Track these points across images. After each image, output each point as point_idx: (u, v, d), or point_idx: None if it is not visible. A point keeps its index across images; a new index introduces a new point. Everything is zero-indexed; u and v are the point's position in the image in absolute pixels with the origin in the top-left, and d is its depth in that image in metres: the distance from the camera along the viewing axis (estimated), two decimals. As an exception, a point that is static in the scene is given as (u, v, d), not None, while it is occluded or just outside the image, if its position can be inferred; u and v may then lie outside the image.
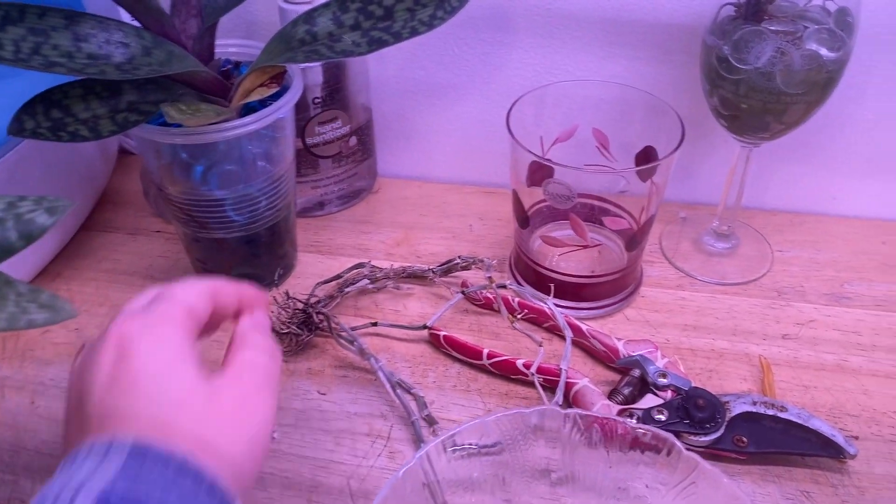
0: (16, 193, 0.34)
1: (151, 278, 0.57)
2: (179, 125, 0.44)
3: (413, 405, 0.47)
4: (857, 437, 0.45)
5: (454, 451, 0.40)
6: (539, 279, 0.54)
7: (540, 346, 0.50)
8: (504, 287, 0.53)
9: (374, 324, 0.52)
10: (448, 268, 0.56)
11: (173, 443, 0.29)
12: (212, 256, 0.53)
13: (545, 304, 0.51)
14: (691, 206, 0.64)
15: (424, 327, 0.51)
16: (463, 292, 0.53)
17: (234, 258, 0.53)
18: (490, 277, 0.53)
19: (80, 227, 0.61)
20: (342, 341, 0.50)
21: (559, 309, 0.52)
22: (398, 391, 0.47)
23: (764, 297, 0.55)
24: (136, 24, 0.45)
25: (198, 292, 0.34)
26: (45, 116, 0.43)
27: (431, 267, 0.56)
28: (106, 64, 0.42)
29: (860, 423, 0.46)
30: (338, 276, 0.54)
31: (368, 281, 0.54)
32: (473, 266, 0.55)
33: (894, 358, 0.50)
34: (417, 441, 0.45)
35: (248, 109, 0.48)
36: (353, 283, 0.54)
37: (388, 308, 0.55)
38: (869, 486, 0.43)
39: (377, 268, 0.55)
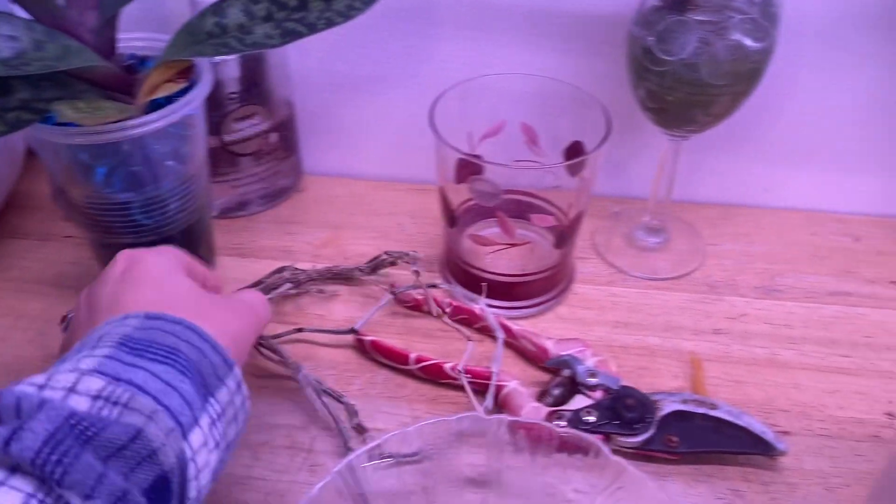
0: None
1: (62, 287, 0.54)
2: (71, 124, 0.41)
3: (342, 415, 0.45)
4: (787, 433, 0.45)
5: (376, 462, 0.38)
6: (470, 279, 0.53)
7: (469, 340, 0.48)
8: (434, 286, 0.51)
9: (299, 330, 0.50)
10: (375, 265, 0.54)
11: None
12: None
13: (476, 304, 0.50)
14: (624, 200, 0.63)
15: (352, 331, 0.50)
16: (392, 293, 0.51)
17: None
18: (417, 271, 0.51)
19: (-16, 234, 0.57)
20: (263, 351, 0.48)
21: (491, 309, 0.51)
22: (325, 400, 0.45)
23: (696, 292, 0.54)
24: (27, 16, 0.41)
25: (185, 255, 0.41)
26: (-77, 116, 0.40)
27: (359, 266, 0.54)
28: (-9, 59, 0.39)
29: (791, 419, 0.46)
30: (258, 283, 0.52)
31: (291, 285, 0.52)
32: (400, 261, 0.53)
33: (824, 350, 0.50)
34: (344, 452, 0.43)
35: (156, 106, 0.45)
36: (275, 289, 0.51)
37: (313, 312, 0.53)
38: (799, 481, 0.43)
39: (300, 270, 0.53)
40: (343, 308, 0.53)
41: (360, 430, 0.44)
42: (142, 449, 0.28)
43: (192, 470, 0.30)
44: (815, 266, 0.57)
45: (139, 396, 0.29)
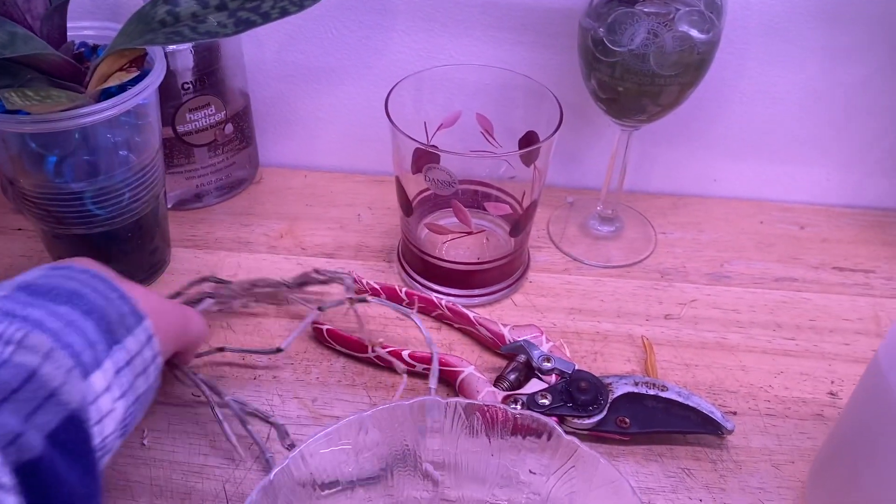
0: None
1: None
2: (20, 112, 0.41)
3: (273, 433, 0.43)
4: (735, 413, 0.46)
5: (330, 448, 0.39)
6: (426, 268, 0.53)
7: (404, 374, 0.47)
8: (364, 301, 0.48)
9: (221, 349, 0.48)
10: (302, 282, 0.50)
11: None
12: (74, 253, 0.49)
13: (410, 317, 0.47)
14: (579, 191, 0.64)
15: (278, 350, 0.48)
16: (320, 308, 0.48)
17: (98, 255, 0.49)
18: (350, 299, 0.48)
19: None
20: (178, 376, 0.44)
21: (448, 298, 0.51)
22: (249, 427, 0.43)
23: (647, 279, 0.56)
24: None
25: None
26: None
27: (285, 281, 0.50)
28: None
29: (738, 399, 0.47)
30: (177, 294, 0.50)
31: (213, 301, 0.49)
32: (332, 282, 0.49)
33: (770, 334, 0.52)
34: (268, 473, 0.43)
35: (108, 95, 0.44)
36: (196, 303, 0.48)
37: (239, 327, 0.51)
38: (746, 459, 0.44)
39: (224, 282, 0.50)
40: (272, 323, 0.51)
41: (292, 448, 0.41)
42: (38, 389, 0.26)
43: (92, 413, 0.29)
44: (762, 253, 0.58)
45: (34, 334, 0.28)
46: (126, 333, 0.32)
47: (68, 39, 0.46)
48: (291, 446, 0.43)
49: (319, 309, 0.48)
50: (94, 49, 0.48)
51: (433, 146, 0.50)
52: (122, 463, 0.42)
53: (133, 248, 0.50)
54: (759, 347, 0.51)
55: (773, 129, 0.60)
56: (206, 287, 0.50)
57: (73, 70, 0.44)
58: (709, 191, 0.64)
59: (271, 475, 0.36)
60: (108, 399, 0.30)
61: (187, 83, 0.53)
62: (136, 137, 0.47)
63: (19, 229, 0.57)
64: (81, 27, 0.49)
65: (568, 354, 0.48)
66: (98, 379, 0.30)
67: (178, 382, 0.45)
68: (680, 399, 0.45)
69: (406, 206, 0.52)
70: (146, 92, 0.44)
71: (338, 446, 0.39)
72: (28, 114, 0.42)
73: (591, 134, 0.62)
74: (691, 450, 0.44)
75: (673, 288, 0.55)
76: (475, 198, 0.51)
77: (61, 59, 0.43)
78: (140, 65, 0.46)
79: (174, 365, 0.44)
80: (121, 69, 0.45)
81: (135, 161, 0.47)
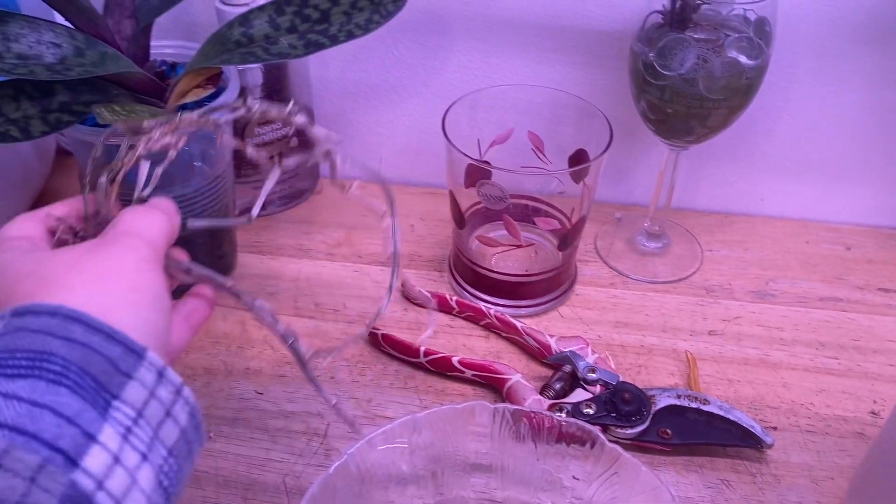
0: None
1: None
2: (105, 126, 0.44)
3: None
4: (775, 428, 0.47)
5: (386, 446, 0.41)
6: (477, 278, 0.56)
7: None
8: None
9: (188, 270, 0.37)
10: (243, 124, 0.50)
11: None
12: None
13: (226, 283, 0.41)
14: (626, 207, 0.65)
15: (249, 220, 0.42)
16: (281, 167, 0.41)
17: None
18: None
19: (17, 228, 0.60)
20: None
21: (497, 308, 0.54)
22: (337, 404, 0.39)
23: (693, 295, 0.57)
24: (68, 25, 0.45)
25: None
26: (-27, 116, 0.43)
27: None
28: (36, 64, 0.42)
29: (779, 415, 0.48)
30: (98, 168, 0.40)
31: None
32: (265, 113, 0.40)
33: (813, 352, 0.53)
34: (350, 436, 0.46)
35: (183, 110, 0.48)
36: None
37: None
38: (785, 473, 0.45)
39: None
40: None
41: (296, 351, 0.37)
42: None
43: (102, 499, 0.23)
44: (807, 273, 0.59)
45: None
46: (124, 381, 0.26)
47: (151, 58, 0.49)
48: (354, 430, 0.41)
49: (281, 168, 0.41)
50: (174, 67, 0.52)
51: (486, 162, 0.52)
52: (190, 453, 0.45)
53: (203, 252, 0.53)
54: (801, 365, 0.52)
55: (820, 150, 0.61)
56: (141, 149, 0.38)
57: (155, 87, 0.48)
58: (756, 209, 0.65)
59: (330, 469, 0.38)
60: (121, 474, 0.24)
61: (256, 99, 0.56)
62: (210, 150, 0.50)
63: (97, 232, 0.61)
64: (162, 46, 0.52)
65: (613, 366, 0.50)
66: (96, 457, 0.24)
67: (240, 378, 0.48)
68: (721, 413, 0.46)
69: (458, 218, 0.54)
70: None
71: (393, 444, 0.41)
72: (106, 127, 0.45)
73: (640, 151, 0.63)
74: (731, 462, 0.46)
75: (718, 304, 0.56)
76: (525, 212, 0.54)
77: (145, 76, 0.47)
78: (216, 83, 0.49)
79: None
80: (198, 86, 0.49)
81: (208, 172, 0.50)
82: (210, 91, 0.49)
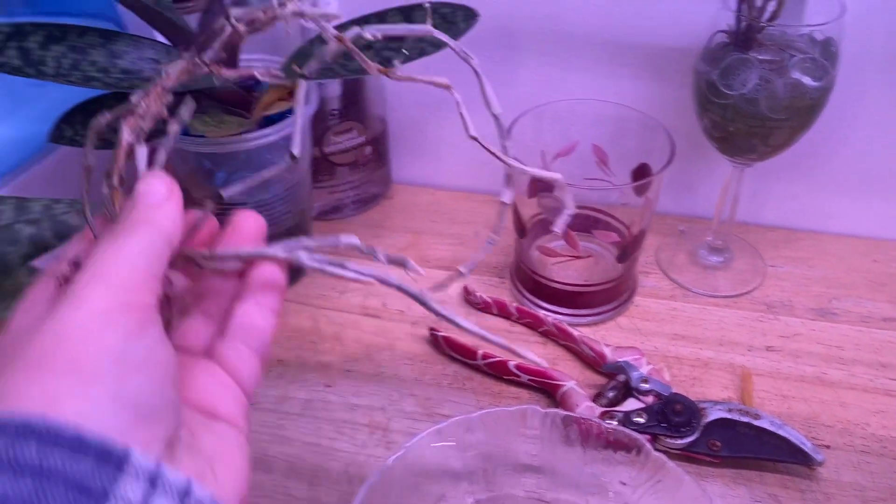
0: (53, 196, 0.39)
1: (177, 273, 0.62)
2: (199, 136, 0.48)
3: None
4: (828, 447, 0.48)
5: (441, 444, 0.43)
6: (537, 287, 0.58)
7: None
8: None
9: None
10: None
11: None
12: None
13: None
14: (690, 219, 0.66)
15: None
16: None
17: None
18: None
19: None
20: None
21: (554, 315, 0.55)
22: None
23: (753, 310, 0.57)
24: (166, 42, 0.49)
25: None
26: (81, 126, 0.47)
27: None
28: (137, 79, 0.46)
29: (833, 434, 0.49)
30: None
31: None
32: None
33: (873, 373, 0.52)
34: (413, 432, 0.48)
35: (269, 122, 0.52)
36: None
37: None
38: (836, 492, 0.45)
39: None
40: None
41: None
42: None
43: None
44: (873, 292, 0.59)
45: None
46: (101, 500, 0.20)
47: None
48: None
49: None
50: (258, 80, 0.56)
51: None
52: (262, 439, 0.49)
53: (280, 253, 0.57)
54: (860, 385, 0.52)
55: (890, 167, 0.60)
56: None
57: (242, 99, 0.51)
58: (822, 227, 0.64)
59: (389, 461, 0.41)
60: None
61: (334, 110, 0.60)
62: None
63: (185, 230, 0.66)
64: (249, 59, 0.56)
65: (667, 378, 0.51)
66: None
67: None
68: (772, 428, 0.47)
69: (520, 228, 0.56)
70: (302, 119, 0.51)
71: (447, 442, 0.44)
72: (204, 136, 0.49)
73: (704, 165, 0.64)
74: (780, 478, 0.46)
75: (777, 321, 0.57)
76: (586, 223, 0.55)
77: (233, 89, 0.51)
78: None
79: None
80: (280, 99, 0.52)
81: (288, 179, 0.54)
82: (292, 103, 0.52)
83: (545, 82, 0.63)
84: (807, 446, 0.46)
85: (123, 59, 0.46)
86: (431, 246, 0.64)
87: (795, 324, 0.56)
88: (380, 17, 0.51)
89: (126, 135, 0.31)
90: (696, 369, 0.53)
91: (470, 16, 0.52)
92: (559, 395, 0.50)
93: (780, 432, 0.46)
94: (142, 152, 0.31)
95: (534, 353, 0.52)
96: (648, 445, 0.41)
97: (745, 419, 0.47)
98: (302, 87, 0.34)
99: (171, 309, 0.32)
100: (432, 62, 0.62)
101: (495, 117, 0.34)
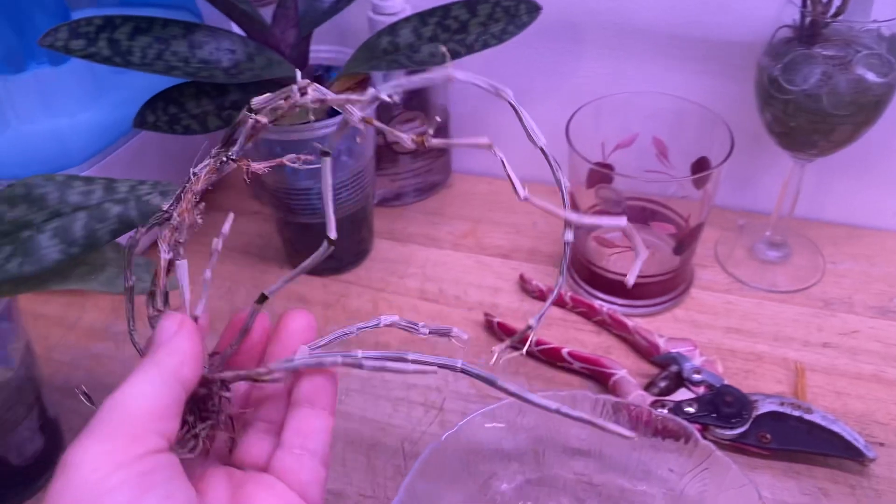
0: (137, 177, 0.41)
1: (248, 254, 0.65)
2: (284, 127, 0.51)
3: None
4: (882, 444, 0.48)
5: (492, 425, 0.45)
6: (593, 277, 0.58)
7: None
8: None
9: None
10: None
11: None
12: (299, 239, 0.60)
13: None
14: (750, 214, 0.66)
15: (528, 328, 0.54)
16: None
17: (316, 241, 0.58)
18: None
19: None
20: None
21: (609, 305, 0.56)
22: None
23: (810, 306, 0.57)
24: (242, 33, 0.51)
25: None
26: (163, 112, 0.50)
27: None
28: (215, 68, 0.49)
29: (888, 431, 0.48)
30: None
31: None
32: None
33: (933, 373, 0.52)
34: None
35: (335, 111, 0.54)
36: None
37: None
38: (887, 489, 0.45)
39: None
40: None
41: None
42: None
43: None
44: (937, 292, 0.58)
45: None
46: None
47: (310, 62, 0.55)
48: None
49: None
50: (328, 70, 0.58)
51: (607, 165, 0.55)
52: (323, 413, 0.51)
53: (345, 237, 0.60)
54: (918, 385, 0.51)
55: (963, 167, 0.59)
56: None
57: (311, 89, 0.54)
58: (886, 224, 0.63)
59: (442, 438, 0.43)
60: None
61: (399, 100, 0.62)
62: (355, 146, 0.56)
63: (256, 212, 0.69)
64: (320, 51, 0.59)
65: (720, 370, 0.52)
66: None
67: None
68: (824, 423, 0.47)
69: (578, 218, 0.57)
70: (367, 110, 0.53)
71: (499, 423, 0.45)
72: (285, 128, 0.52)
73: (765, 160, 0.64)
74: (830, 472, 0.46)
75: (835, 318, 0.56)
76: (643, 214, 0.56)
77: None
78: (365, 86, 0.55)
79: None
80: (348, 89, 0.55)
81: (353, 165, 0.56)
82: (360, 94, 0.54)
83: (607, 74, 0.63)
84: (859, 442, 0.46)
85: (202, 49, 0.49)
86: (489, 234, 0.65)
87: (854, 321, 0.56)
88: (445, 10, 0.53)
89: (164, 252, 0.32)
90: (750, 363, 0.53)
91: (533, 9, 0.53)
92: (611, 384, 0.51)
93: (833, 427, 0.46)
94: (182, 267, 0.32)
95: (588, 343, 0.53)
96: (697, 434, 0.42)
97: (796, 413, 0.47)
98: (326, 164, 0.33)
99: (233, 427, 0.34)
100: (499, 52, 0.63)
101: (542, 151, 0.33)
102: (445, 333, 0.34)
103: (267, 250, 0.65)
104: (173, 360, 0.28)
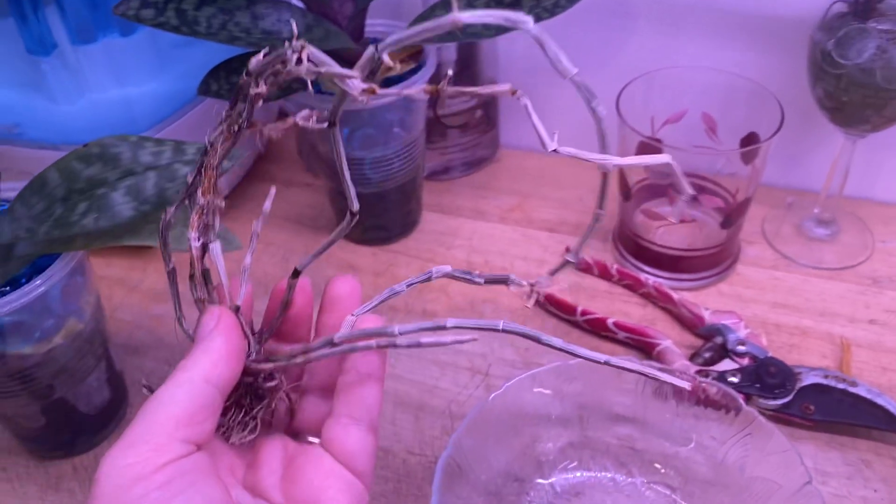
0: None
1: (301, 224, 0.67)
2: (332, 93, 0.52)
3: None
4: (927, 419, 0.48)
5: (539, 389, 0.46)
6: (639, 250, 0.59)
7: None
8: None
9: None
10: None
11: None
12: (350, 208, 0.62)
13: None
14: (799, 192, 0.66)
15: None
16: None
17: (367, 211, 0.60)
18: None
19: (244, 177, 0.71)
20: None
21: (654, 278, 0.57)
22: None
23: (858, 284, 0.57)
24: (301, 6, 0.53)
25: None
26: (226, 81, 0.52)
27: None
28: (276, 39, 0.51)
29: (934, 408, 0.48)
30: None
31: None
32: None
33: (983, 351, 0.52)
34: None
35: (388, 82, 0.55)
36: None
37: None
38: (931, 463, 0.46)
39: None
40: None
41: None
42: None
43: None
44: None
45: None
46: None
47: (365, 35, 0.57)
48: None
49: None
50: (382, 43, 0.59)
51: (656, 139, 0.56)
52: (373, 375, 0.53)
53: (394, 208, 0.61)
54: (967, 363, 0.51)
55: None
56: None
57: (366, 61, 0.55)
58: (941, 204, 0.63)
59: (489, 398, 0.44)
60: None
61: (450, 73, 0.63)
62: (408, 118, 0.57)
63: (308, 185, 0.70)
64: (374, 24, 0.60)
65: (765, 343, 0.52)
66: None
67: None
68: (869, 396, 0.47)
69: (625, 191, 0.58)
70: (420, 82, 0.54)
71: (543, 389, 0.46)
72: (333, 94, 0.53)
73: (815, 137, 0.63)
74: (874, 445, 0.47)
75: (883, 295, 0.56)
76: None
77: (360, 51, 0.54)
78: (417, 59, 0.56)
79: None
80: (401, 61, 0.56)
81: (404, 137, 0.57)
82: (412, 66, 0.56)
83: (657, 49, 0.64)
84: (904, 416, 0.46)
85: (265, 20, 0.51)
86: (537, 208, 0.66)
87: (903, 299, 0.56)
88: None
89: (193, 240, 0.33)
90: (795, 337, 0.54)
91: (585, -17, 0.54)
92: (655, 353, 0.52)
93: (878, 400, 0.47)
94: (216, 250, 0.33)
95: (633, 315, 0.53)
96: (740, 401, 0.43)
97: (840, 386, 0.48)
98: (337, 135, 0.33)
99: (290, 400, 0.35)
100: (550, 25, 0.64)
101: (574, 81, 0.31)
102: (503, 281, 0.35)
103: (319, 220, 0.67)
104: (209, 359, 0.30)
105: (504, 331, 0.33)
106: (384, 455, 0.48)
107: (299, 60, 0.29)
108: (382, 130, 0.56)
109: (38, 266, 0.42)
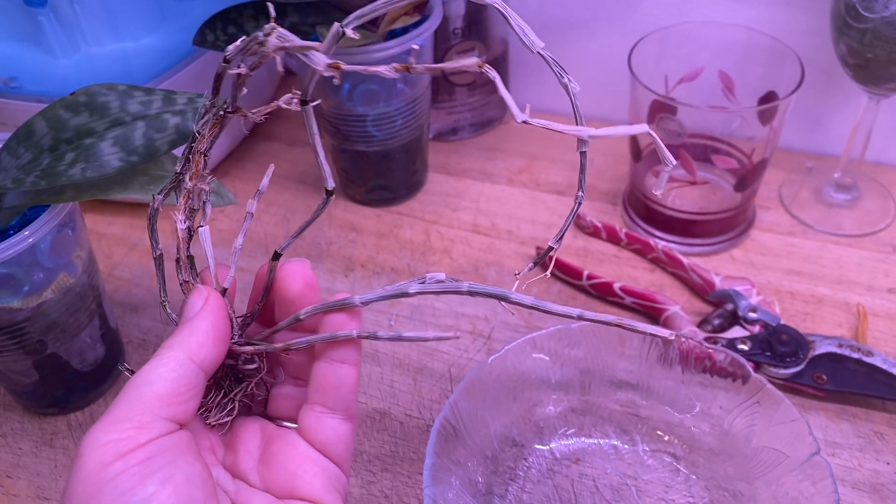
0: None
1: (304, 183, 0.65)
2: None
3: None
4: (945, 391, 0.46)
5: (540, 355, 0.45)
6: (650, 214, 0.57)
7: None
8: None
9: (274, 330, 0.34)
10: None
11: None
12: (353, 167, 0.60)
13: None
14: (818, 156, 0.63)
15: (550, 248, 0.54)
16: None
17: (371, 170, 0.59)
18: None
19: (247, 135, 0.70)
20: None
21: (665, 243, 0.55)
22: None
23: (877, 251, 0.55)
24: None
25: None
26: (223, 31, 0.51)
27: None
28: (275, -12, 0.49)
29: (953, 379, 0.47)
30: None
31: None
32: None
33: None
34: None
35: (393, 36, 0.53)
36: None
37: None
38: (948, 436, 0.44)
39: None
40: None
41: None
42: None
43: None
44: None
45: None
46: None
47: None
48: None
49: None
50: (386, -4, 0.57)
51: (670, 98, 0.53)
52: (373, 337, 0.52)
53: (399, 167, 0.60)
54: None
55: None
56: None
57: (369, 13, 0.53)
58: (967, 170, 0.60)
59: (489, 360, 0.43)
60: None
61: (457, 28, 0.61)
62: (411, 74, 0.55)
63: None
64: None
65: (777, 310, 0.50)
66: None
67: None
68: (885, 366, 0.45)
69: (636, 152, 0.56)
70: (424, 34, 0.52)
71: (543, 354, 0.45)
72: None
73: (837, 100, 0.61)
74: (888, 417, 0.45)
75: (904, 263, 0.54)
76: (703, 152, 0.54)
77: (362, 2, 0.53)
78: (422, 11, 0.54)
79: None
80: (406, 13, 0.54)
81: (408, 93, 0.56)
82: (416, 18, 0.54)
83: (671, 4, 0.61)
84: (921, 387, 0.44)
85: (262, -31, 0.49)
86: (545, 171, 0.65)
87: (924, 268, 0.54)
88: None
89: (179, 223, 0.32)
90: (810, 305, 0.52)
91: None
92: (662, 319, 0.51)
93: (894, 371, 0.45)
94: (204, 234, 0.33)
95: (641, 280, 0.52)
96: (749, 368, 0.41)
97: (855, 355, 0.46)
98: (309, 113, 0.32)
99: (266, 387, 0.35)
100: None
101: (541, 55, 0.30)
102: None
103: (322, 180, 0.65)
104: (195, 339, 0.30)
105: (469, 293, 0.32)
106: (381, 417, 0.47)
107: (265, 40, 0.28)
108: (385, 86, 0.54)
109: (28, 219, 0.41)
